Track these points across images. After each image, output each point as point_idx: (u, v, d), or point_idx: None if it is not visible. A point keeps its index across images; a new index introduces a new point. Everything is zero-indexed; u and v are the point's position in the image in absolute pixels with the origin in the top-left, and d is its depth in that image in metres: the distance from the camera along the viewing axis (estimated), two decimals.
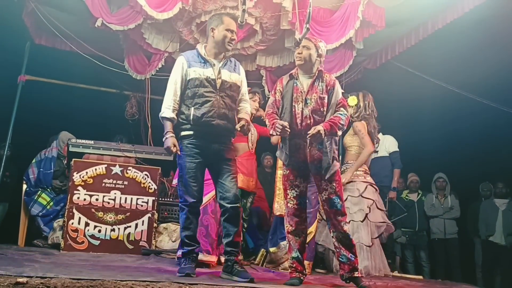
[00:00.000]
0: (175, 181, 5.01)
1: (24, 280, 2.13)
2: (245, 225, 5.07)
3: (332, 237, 3.33)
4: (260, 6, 5.02)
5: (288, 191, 3.35)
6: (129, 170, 5.07)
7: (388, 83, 6.32)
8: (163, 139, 3.28)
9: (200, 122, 3.26)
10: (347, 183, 4.64)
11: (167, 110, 3.30)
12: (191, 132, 3.29)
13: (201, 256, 4.05)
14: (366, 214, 4.52)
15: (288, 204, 3.34)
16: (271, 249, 4.59)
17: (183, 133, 3.32)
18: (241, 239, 3.47)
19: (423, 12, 5.21)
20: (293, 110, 3.29)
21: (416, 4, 5.06)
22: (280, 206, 4.50)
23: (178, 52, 5.84)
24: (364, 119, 4.77)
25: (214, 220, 4.25)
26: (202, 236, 4.10)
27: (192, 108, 3.27)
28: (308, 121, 3.27)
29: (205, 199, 3.99)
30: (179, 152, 3.27)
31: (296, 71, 3.42)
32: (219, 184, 3.34)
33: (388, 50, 6.03)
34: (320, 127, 3.16)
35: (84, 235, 4.79)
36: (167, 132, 3.27)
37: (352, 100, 4.87)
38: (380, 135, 5.25)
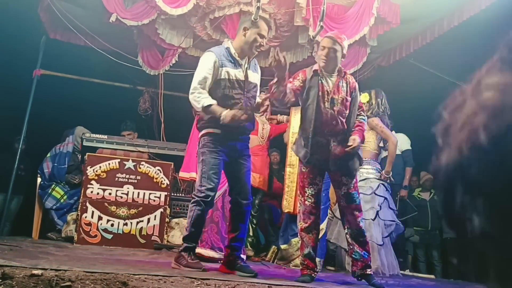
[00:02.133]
0: (184, 174, 4.94)
1: (39, 272, 2.15)
2: (255, 222, 5.08)
3: (346, 233, 3.33)
4: (274, 2, 5.01)
5: (306, 188, 3.31)
6: (142, 165, 5.11)
7: (402, 80, 6.26)
8: (221, 119, 3.14)
9: (230, 124, 3.21)
10: (360, 180, 4.62)
11: (206, 99, 3.19)
12: (219, 131, 3.24)
13: (213, 254, 4.08)
14: (377, 212, 4.50)
15: (306, 202, 3.31)
16: (282, 246, 4.59)
17: (210, 130, 3.26)
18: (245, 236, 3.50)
19: (439, 9, 5.15)
20: (320, 108, 3.25)
21: (432, 1, 5.00)
22: (288, 203, 4.50)
23: (192, 48, 5.86)
24: (378, 116, 4.75)
25: (222, 216, 4.27)
26: (214, 233, 4.12)
27: (224, 109, 3.21)
28: (334, 122, 3.24)
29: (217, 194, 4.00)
30: (245, 116, 3.19)
31: (319, 68, 3.34)
32: (234, 179, 3.35)
33: (403, 48, 5.98)
34: (358, 140, 3.19)
35: (97, 229, 4.84)
36: (221, 111, 3.15)
37: (364, 97, 4.84)
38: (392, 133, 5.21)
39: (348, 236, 3.31)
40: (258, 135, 4.74)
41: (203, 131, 3.30)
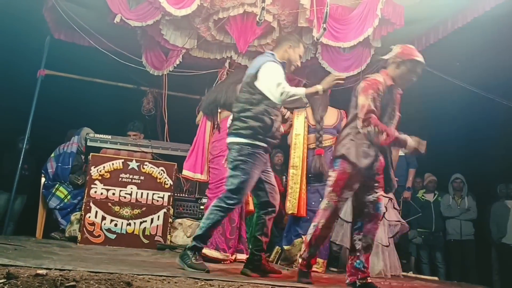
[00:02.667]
0: (189, 173, 4.89)
1: (43, 272, 2.16)
2: None
3: (359, 240, 3.19)
4: (278, 3, 5.00)
5: (344, 190, 3.17)
6: (146, 165, 5.12)
7: None
8: (322, 90, 3.24)
9: (273, 135, 3.30)
10: None
11: (297, 88, 3.30)
12: (265, 145, 3.29)
13: (217, 255, 4.08)
14: (384, 213, 4.49)
15: (339, 204, 3.18)
16: (286, 247, 4.59)
17: (258, 143, 3.26)
18: None
19: (443, 10, 5.13)
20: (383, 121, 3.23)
21: (436, 2, 4.98)
22: (292, 205, 4.50)
23: (195, 49, 5.84)
24: None
25: (228, 218, 4.28)
26: (219, 234, 4.13)
27: (273, 119, 3.28)
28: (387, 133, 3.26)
29: None
30: (343, 78, 3.26)
31: (393, 84, 3.31)
32: (267, 185, 3.43)
33: None
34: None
35: (101, 229, 4.86)
36: (314, 87, 3.25)
37: None
38: None
39: (359, 243, 3.18)
40: None
41: (249, 140, 3.25)
